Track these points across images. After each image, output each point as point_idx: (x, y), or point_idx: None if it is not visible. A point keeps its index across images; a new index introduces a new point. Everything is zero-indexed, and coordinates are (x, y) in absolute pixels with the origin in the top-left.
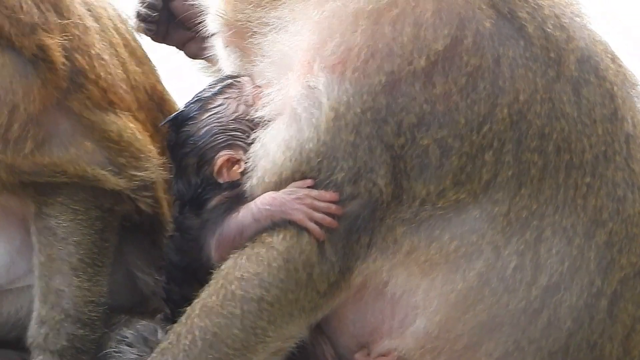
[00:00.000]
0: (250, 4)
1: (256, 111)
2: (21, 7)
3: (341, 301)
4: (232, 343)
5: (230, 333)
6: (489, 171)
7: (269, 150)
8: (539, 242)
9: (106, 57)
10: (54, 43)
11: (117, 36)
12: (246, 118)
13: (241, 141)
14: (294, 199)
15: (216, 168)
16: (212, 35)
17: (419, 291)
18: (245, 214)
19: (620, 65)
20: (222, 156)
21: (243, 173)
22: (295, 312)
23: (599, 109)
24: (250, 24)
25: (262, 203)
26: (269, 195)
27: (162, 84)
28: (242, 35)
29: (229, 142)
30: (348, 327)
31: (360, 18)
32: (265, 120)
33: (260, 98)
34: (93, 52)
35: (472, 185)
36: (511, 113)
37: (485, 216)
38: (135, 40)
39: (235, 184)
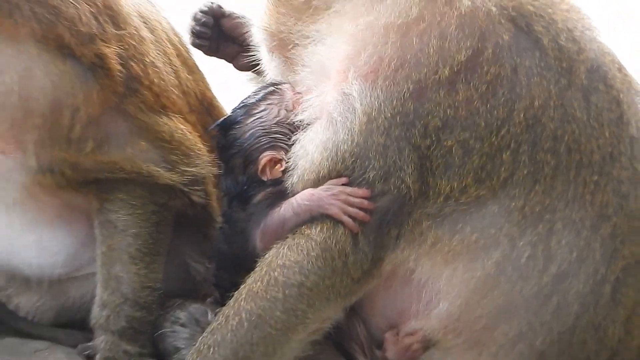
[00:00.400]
0: (292, 18)
1: (296, 115)
2: (80, 19)
3: (373, 287)
4: (274, 324)
5: (273, 315)
6: (506, 170)
7: (308, 150)
8: (551, 234)
9: (160, 65)
10: (110, 52)
11: (170, 47)
12: (287, 122)
13: (282, 143)
14: (330, 195)
15: (260, 167)
16: (258, 45)
17: (442, 278)
18: (286, 209)
19: (626, 75)
20: (266, 156)
21: (284, 171)
22: (332, 297)
23: (606, 114)
24: (291, 35)
25: (301, 199)
26: (308, 192)
27: (211, 91)
28: (284, 46)
29: (271, 144)
30: (379, 309)
31: (391, 31)
32: (304, 124)
33: (300, 103)
34: (147, 60)
35: (491, 182)
36: (527, 117)
37: (503, 211)
38: (187, 51)
39: (278, 182)
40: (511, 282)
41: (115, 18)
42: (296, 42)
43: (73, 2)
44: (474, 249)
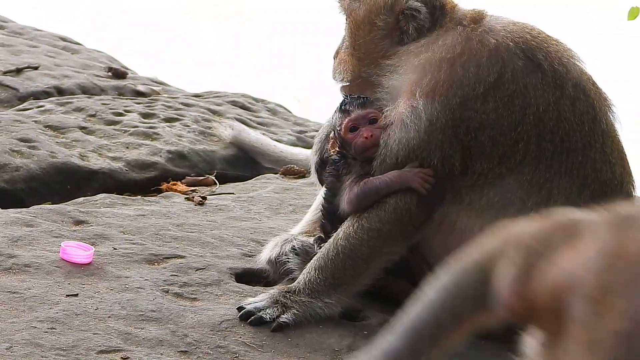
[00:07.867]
0: (370, 63)
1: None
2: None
3: (428, 232)
4: (360, 255)
5: (360, 249)
6: (520, 155)
7: (389, 144)
8: (549, 197)
9: None
10: None
11: None
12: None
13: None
14: (413, 174)
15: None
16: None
17: (475, 227)
18: (381, 182)
19: (598, 87)
20: (331, 140)
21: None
22: (400, 238)
23: (585, 115)
24: (371, 72)
25: (394, 176)
26: (397, 172)
27: None
28: (367, 78)
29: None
30: (434, 249)
31: (443, 62)
32: (384, 127)
33: (381, 114)
34: None
35: (509, 164)
36: (534, 119)
37: (517, 182)
38: None
39: (364, 165)
40: None
41: None
42: (377, 72)
43: None
44: (496, 207)
